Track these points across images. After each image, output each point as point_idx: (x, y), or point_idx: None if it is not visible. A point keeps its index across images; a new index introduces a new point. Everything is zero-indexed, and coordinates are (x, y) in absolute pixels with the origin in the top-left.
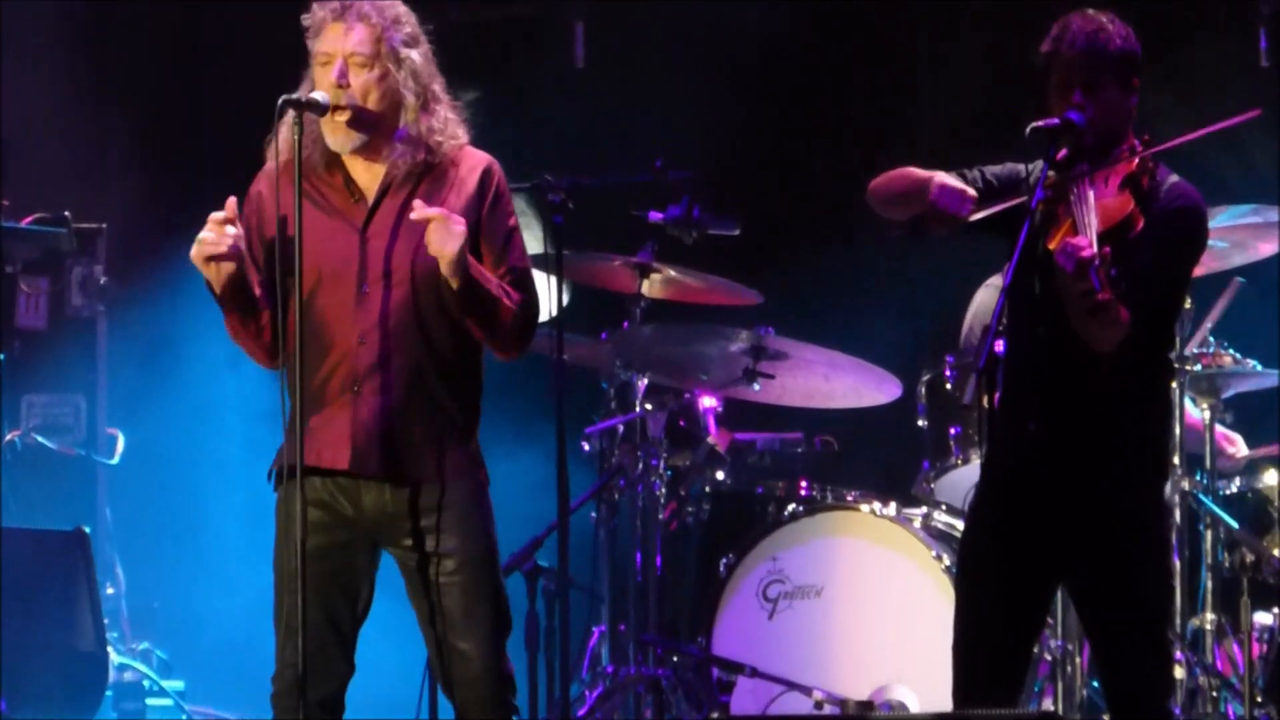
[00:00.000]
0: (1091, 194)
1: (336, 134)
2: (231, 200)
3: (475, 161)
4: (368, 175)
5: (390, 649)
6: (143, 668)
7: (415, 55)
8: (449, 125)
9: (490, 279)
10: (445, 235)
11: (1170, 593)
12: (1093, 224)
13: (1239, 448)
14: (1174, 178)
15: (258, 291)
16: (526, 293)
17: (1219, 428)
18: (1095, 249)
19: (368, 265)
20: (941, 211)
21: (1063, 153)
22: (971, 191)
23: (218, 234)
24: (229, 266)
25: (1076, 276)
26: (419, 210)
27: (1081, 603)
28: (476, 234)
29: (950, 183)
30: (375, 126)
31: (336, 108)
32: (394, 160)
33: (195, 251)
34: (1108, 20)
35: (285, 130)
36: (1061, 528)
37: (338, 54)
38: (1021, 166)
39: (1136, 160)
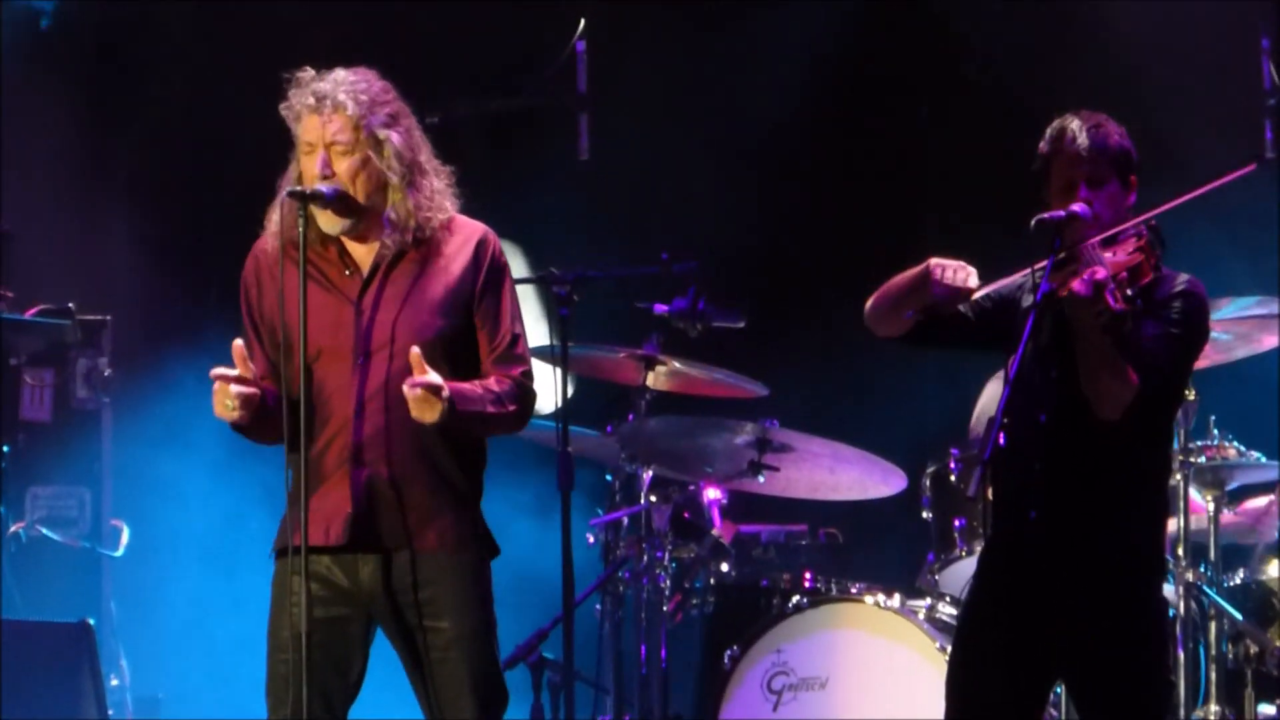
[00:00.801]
0: (1103, 253)
1: (324, 218)
2: (238, 345)
3: (469, 233)
4: (362, 250)
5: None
6: None
7: (395, 135)
8: (436, 198)
9: (477, 399)
10: (424, 408)
11: (1169, 688)
12: (1105, 264)
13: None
14: (1182, 275)
15: (270, 403)
16: (522, 367)
17: (1253, 503)
18: (1108, 273)
19: (363, 338)
20: (946, 286)
21: (1064, 254)
22: (970, 267)
23: (233, 401)
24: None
25: (1093, 299)
26: (408, 385)
27: (1079, 696)
28: (470, 306)
29: (946, 260)
30: (362, 211)
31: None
32: (383, 241)
33: (217, 410)
34: (1104, 119)
35: (285, 212)
36: (1059, 619)
37: (319, 144)
38: (1014, 279)
39: (1145, 238)
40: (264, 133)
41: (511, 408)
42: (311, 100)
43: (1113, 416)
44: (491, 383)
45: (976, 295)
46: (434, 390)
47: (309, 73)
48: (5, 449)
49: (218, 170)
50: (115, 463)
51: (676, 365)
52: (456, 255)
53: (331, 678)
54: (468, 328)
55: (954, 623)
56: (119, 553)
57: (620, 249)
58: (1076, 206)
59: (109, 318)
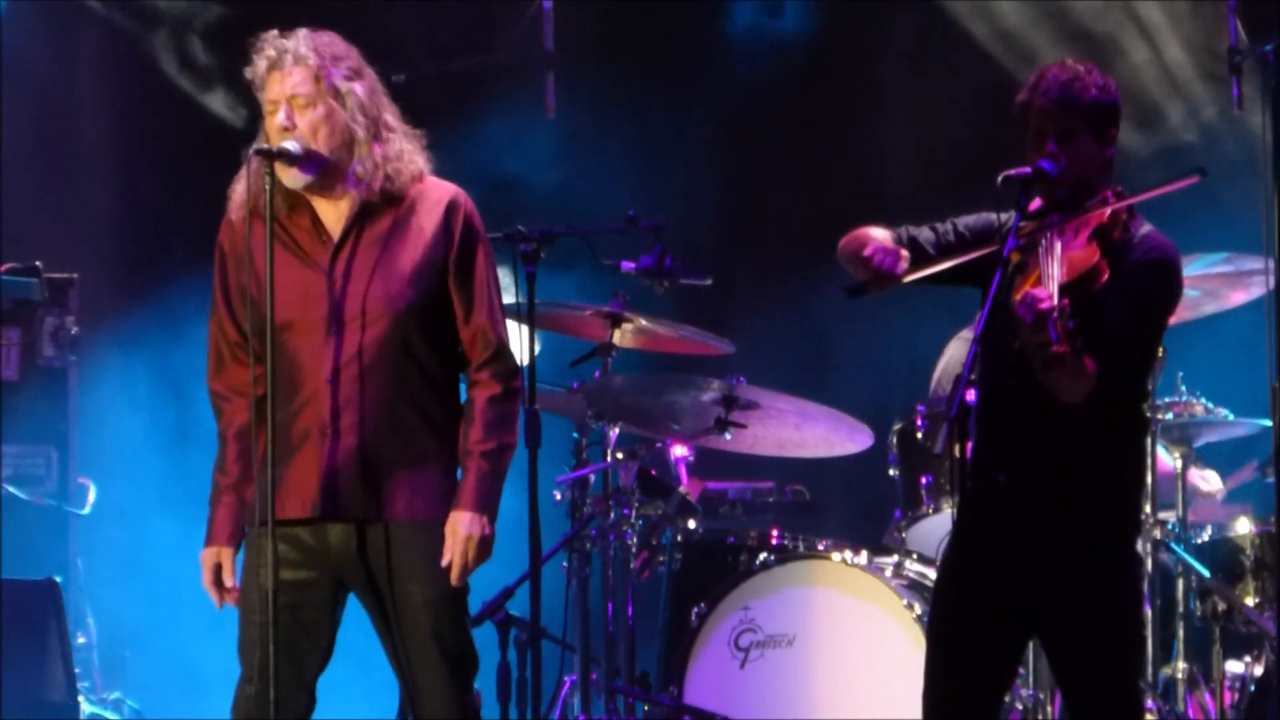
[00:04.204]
0: (1059, 245)
1: (287, 174)
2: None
3: (440, 195)
4: (333, 214)
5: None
6: (114, 718)
7: (358, 88)
8: (405, 155)
9: (487, 478)
10: (477, 561)
11: (1141, 643)
12: (1056, 276)
13: (1212, 483)
14: (1146, 228)
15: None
16: (496, 350)
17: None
18: (1055, 301)
19: (336, 305)
20: (876, 271)
21: (1036, 202)
22: (906, 252)
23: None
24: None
25: (1035, 329)
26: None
27: (1054, 653)
28: (443, 273)
29: (885, 244)
30: (324, 164)
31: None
32: (352, 195)
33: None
34: (1085, 70)
35: (250, 177)
36: (1033, 580)
37: (281, 99)
38: (994, 216)
39: (1108, 212)
40: (238, 89)
41: (508, 439)
42: (273, 54)
43: (1074, 401)
44: (477, 427)
45: (909, 278)
46: (467, 554)
47: (271, 33)
48: None
49: (187, 128)
50: (82, 421)
51: (643, 322)
52: (428, 219)
53: (301, 641)
54: (442, 293)
55: (921, 579)
56: (86, 511)
57: (587, 206)
58: (1044, 163)
59: (76, 276)
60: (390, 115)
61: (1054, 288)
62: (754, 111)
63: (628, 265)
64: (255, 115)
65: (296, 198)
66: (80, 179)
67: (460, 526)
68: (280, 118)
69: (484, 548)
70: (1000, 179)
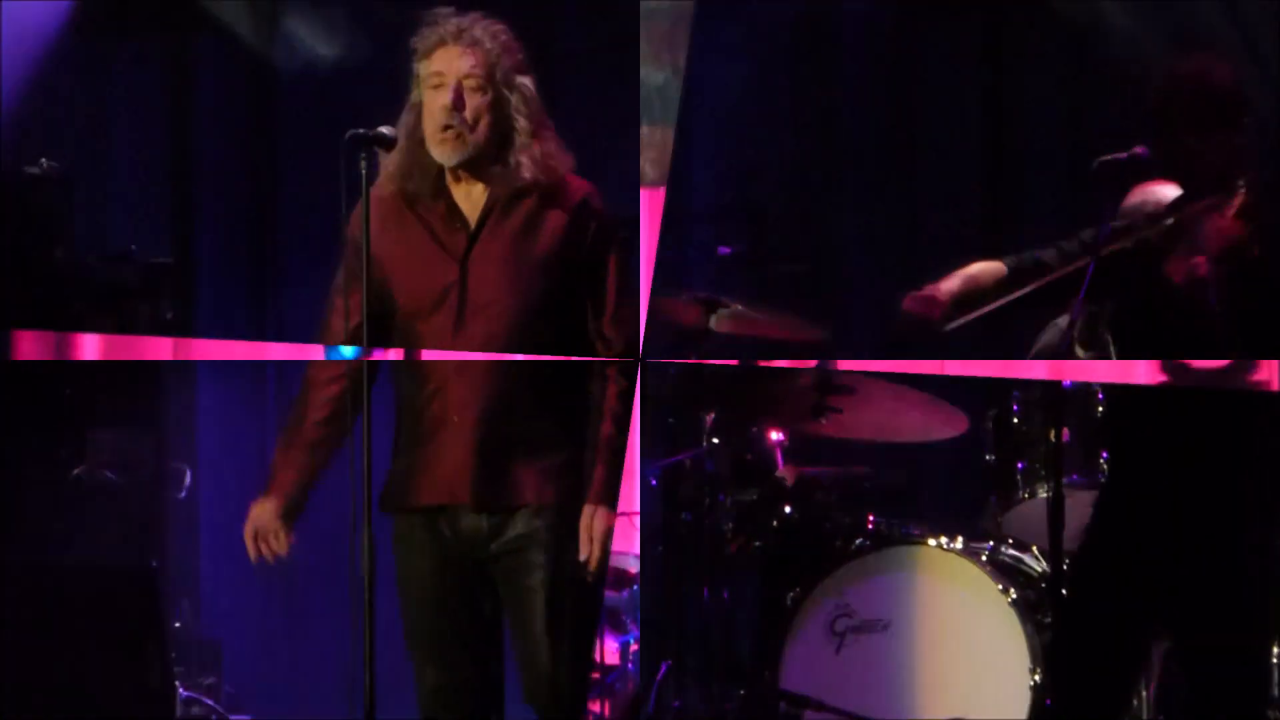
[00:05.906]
0: (1207, 222)
1: (443, 148)
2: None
3: (572, 192)
4: (468, 202)
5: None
6: (210, 703)
7: (528, 82)
8: (556, 154)
9: (609, 459)
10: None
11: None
12: (1210, 249)
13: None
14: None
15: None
16: (620, 343)
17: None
18: (1211, 266)
19: (467, 294)
20: (917, 320)
21: (1170, 189)
22: (943, 295)
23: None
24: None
25: (1190, 291)
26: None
27: (1186, 654)
28: (573, 268)
29: (919, 293)
30: (480, 149)
31: (448, 127)
32: (491, 185)
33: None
34: (1213, 61)
35: (404, 161)
36: (1169, 573)
37: (452, 75)
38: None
39: (1249, 193)
40: (342, 72)
41: (625, 429)
42: (452, 29)
43: (1215, 380)
44: (602, 420)
45: (951, 326)
46: (599, 541)
47: (447, 9)
48: (67, 393)
49: (290, 114)
50: (177, 405)
51: (738, 307)
52: (562, 216)
53: (463, 618)
54: (569, 288)
55: (1016, 564)
56: (182, 495)
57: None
58: (1139, 149)
59: (171, 261)
60: (544, 114)
61: (1209, 257)
62: (849, 91)
63: (724, 250)
64: (364, 97)
65: (436, 185)
66: (179, 164)
67: (586, 520)
68: (449, 96)
69: (607, 538)
70: (1095, 164)
